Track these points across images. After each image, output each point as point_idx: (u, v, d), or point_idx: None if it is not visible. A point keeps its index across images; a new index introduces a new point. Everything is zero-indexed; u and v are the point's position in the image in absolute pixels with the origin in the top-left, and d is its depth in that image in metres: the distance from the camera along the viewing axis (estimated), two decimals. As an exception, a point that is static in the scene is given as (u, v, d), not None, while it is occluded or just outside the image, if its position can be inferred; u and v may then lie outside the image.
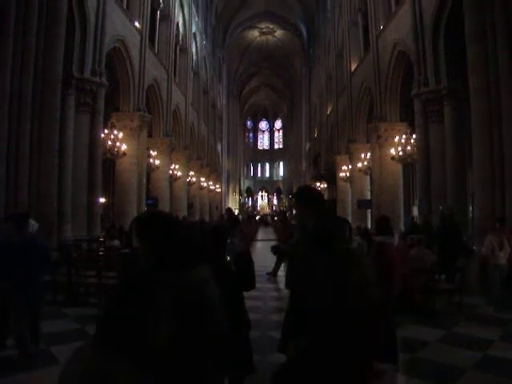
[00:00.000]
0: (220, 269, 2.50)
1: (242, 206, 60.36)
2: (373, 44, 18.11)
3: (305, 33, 43.00)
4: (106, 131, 14.23)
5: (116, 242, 10.55)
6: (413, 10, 13.22)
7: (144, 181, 17.54)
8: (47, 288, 6.96)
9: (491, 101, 7.96)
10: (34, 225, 7.11)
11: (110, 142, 14.25)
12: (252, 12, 42.28)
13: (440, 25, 12.00)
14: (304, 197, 3.16)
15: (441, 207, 13.48)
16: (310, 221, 2.94)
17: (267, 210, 61.93)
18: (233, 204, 53.69)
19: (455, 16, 10.28)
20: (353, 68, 22.33)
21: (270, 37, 48.03)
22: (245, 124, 68.81)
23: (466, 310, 7.11)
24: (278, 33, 46.96)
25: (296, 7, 40.58)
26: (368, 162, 19.50)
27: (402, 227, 15.62)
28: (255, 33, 47.20)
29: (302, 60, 46.36)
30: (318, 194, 3.39)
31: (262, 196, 68.35)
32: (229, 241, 2.91)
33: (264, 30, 46.49)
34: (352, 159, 21.74)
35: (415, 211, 17.89)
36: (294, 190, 53.51)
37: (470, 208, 11.87)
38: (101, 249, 10.32)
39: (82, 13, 12.01)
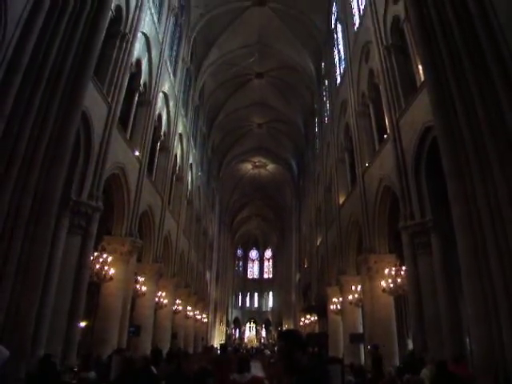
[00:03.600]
0: None
1: (228, 337, 57.43)
2: (359, 180, 19.08)
3: (295, 167, 45.66)
4: (95, 254, 14.12)
5: (92, 374, 9.73)
6: (395, 150, 14.20)
7: (128, 307, 16.92)
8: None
9: (475, 234, 8.15)
10: (4, 353, 6.64)
11: (98, 266, 14.05)
12: (246, 147, 45.29)
13: (421, 163, 12.84)
14: (290, 341, 3.04)
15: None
16: (298, 366, 2.82)
17: (255, 343, 58.82)
18: (219, 335, 51.20)
19: (434, 154, 11.05)
20: (341, 201, 23.19)
21: (262, 170, 50.76)
22: (235, 252, 68.97)
23: None
24: (270, 166, 49.75)
25: (287, 144, 43.69)
26: (359, 294, 19.18)
27: (396, 362, 14.82)
28: (248, 166, 49.96)
29: (292, 192, 48.38)
30: (304, 338, 3.29)
31: (250, 327, 65.51)
32: None
33: (257, 163, 49.35)
34: (343, 291, 21.41)
35: (410, 345, 17.13)
36: (284, 327, 51.53)
37: (468, 341, 11.40)
38: (73, 381, 9.51)
39: (87, 141, 12.80)
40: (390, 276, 15.19)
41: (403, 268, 14.42)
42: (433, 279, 11.83)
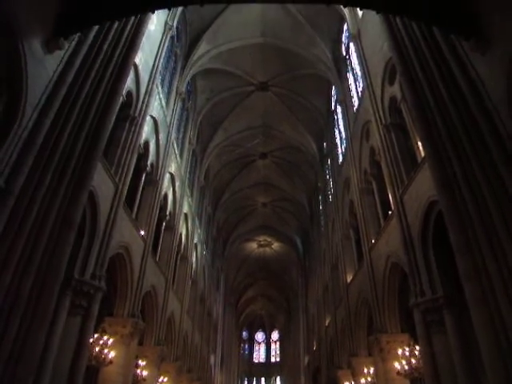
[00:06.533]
0: None
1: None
2: (366, 257, 18.76)
3: (300, 245, 45.36)
4: (95, 335, 13.59)
5: None
6: (400, 226, 14.06)
7: (128, 394, 15.95)
8: None
9: (491, 310, 7.83)
10: None
11: (97, 348, 13.46)
12: (251, 226, 45.46)
13: (427, 237, 12.64)
14: None
15: None
16: None
17: None
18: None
19: (441, 227, 10.94)
20: (348, 279, 22.68)
21: (267, 249, 50.44)
22: (240, 334, 66.38)
23: None
24: (275, 245, 49.48)
25: (292, 222, 43.80)
26: (372, 378, 18.09)
27: None
28: (253, 245, 49.72)
29: (298, 271, 47.62)
30: None
31: (257, 417, 61.33)
32: None
33: (262, 242, 49.18)
34: (355, 375, 20.22)
35: None
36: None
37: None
38: None
39: (93, 220, 12.81)
40: (403, 357, 14.42)
41: (417, 348, 13.73)
42: (450, 358, 11.17)
